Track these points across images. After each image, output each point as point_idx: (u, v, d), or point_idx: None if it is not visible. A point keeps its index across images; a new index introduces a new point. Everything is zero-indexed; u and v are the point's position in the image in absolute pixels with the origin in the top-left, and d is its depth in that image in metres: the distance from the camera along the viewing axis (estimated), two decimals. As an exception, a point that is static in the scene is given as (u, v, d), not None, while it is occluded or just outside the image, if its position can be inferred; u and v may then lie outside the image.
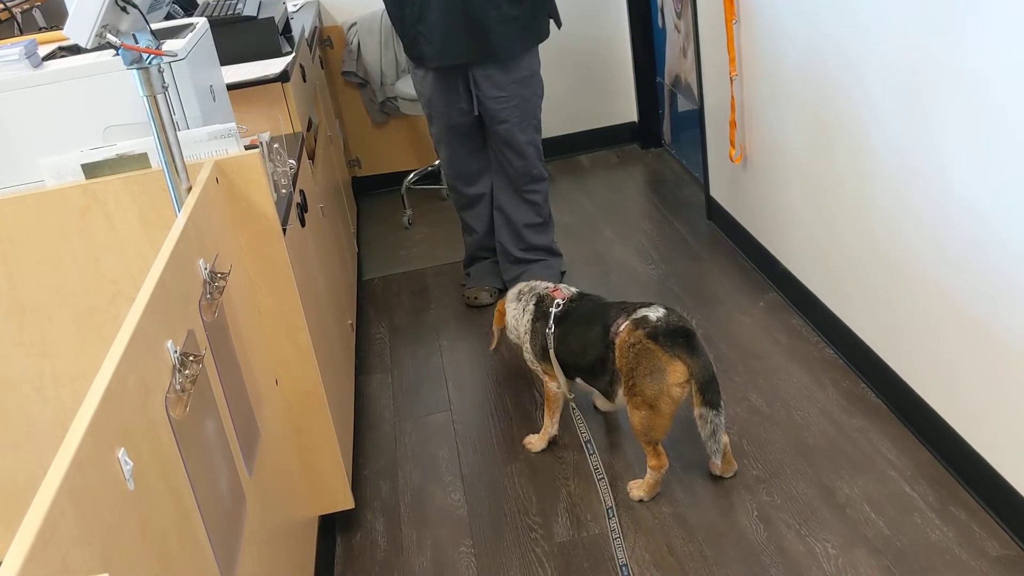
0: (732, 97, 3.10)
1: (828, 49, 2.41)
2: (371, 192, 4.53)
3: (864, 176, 2.34)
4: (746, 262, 3.27)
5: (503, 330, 2.59)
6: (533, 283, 2.54)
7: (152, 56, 1.55)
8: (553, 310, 2.34)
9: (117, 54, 1.55)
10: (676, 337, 2.09)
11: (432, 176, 4.31)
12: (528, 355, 2.46)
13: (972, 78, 1.82)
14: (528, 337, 2.43)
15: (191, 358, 1.34)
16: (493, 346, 2.69)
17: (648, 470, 2.21)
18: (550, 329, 2.33)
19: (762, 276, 3.15)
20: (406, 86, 3.84)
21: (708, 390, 2.08)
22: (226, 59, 2.39)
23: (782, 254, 3.00)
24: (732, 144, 3.16)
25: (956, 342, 2.05)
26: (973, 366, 2.01)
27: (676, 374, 2.07)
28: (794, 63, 2.63)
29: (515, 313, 2.49)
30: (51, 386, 1.82)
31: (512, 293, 2.56)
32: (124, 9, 1.48)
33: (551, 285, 2.48)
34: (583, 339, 2.26)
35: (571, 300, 2.38)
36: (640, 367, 2.10)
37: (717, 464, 2.22)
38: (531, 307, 2.43)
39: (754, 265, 3.22)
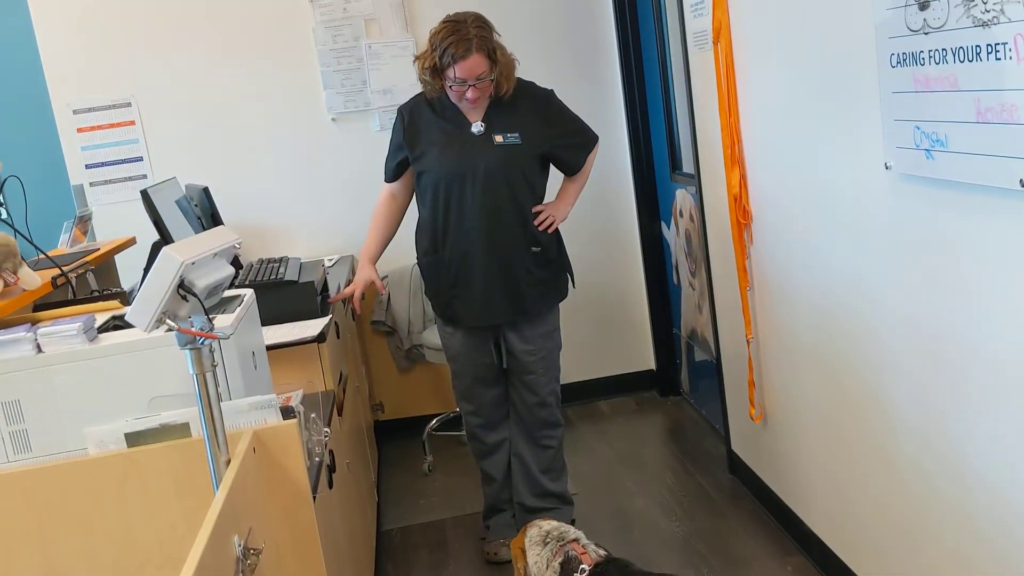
0: (750, 358, 3.19)
1: (841, 316, 2.51)
2: (393, 436, 4.56)
3: (884, 443, 2.36)
4: (771, 520, 3.23)
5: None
6: (563, 528, 2.46)
7: (204, 338, 1.65)
8: None
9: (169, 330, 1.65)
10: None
11: (454, 422, 4.35)
12: None
13: (988, 343, 1.89)
14: None
15: (221, 646, 1.33)
16: None
17: None
18: (570, 595, 2.28)
19: (788, 536, 3.10)
20: (433, 336, 3.97)
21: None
22: (266, 320, 2.50)
23: (807, 516, 2.97)
24: (752, 403, 3.21)
25: (993, 623, 2.00)
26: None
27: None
28: (809, 327, 2.74)
29: (538, 560, 2.42)
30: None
31: (537, 534, 2.47)
32: (184, 297, 1.59)
33: (579, 541, 2.39)
34: (606, 609, 2.21)
35: (597, 565, 2.33)
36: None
37: None
38: (556, 565, 2.36)
39: (779, 524, 3.18)
